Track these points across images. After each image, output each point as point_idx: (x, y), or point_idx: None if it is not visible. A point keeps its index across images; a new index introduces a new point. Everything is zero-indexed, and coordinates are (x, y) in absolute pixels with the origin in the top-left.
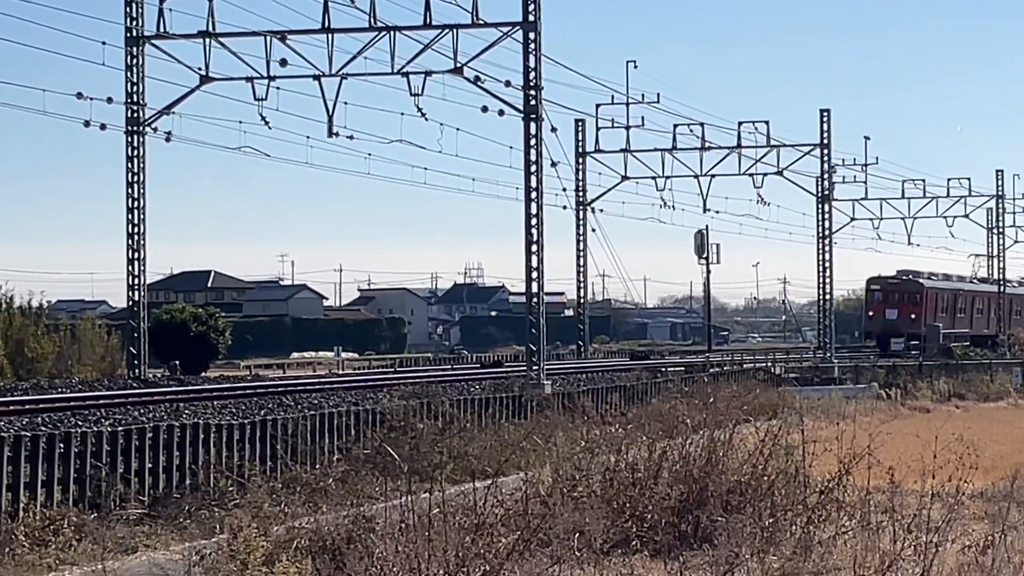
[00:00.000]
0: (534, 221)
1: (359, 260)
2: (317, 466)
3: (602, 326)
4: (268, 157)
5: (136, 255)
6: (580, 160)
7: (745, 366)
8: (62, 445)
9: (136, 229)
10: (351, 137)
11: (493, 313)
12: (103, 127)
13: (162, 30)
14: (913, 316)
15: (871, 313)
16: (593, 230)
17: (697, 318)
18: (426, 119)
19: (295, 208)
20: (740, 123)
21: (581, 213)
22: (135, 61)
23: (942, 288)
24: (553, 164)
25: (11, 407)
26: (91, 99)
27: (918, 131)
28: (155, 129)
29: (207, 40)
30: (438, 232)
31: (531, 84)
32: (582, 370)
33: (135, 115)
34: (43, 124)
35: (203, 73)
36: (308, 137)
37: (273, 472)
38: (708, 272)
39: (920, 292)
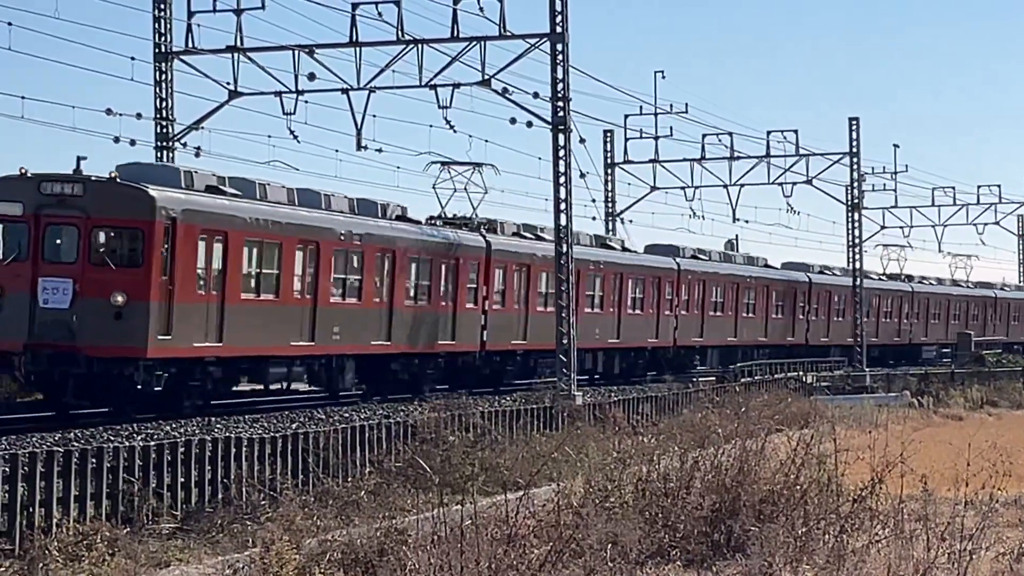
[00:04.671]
0: (564, 232)
1: None
2: (349, 479)
3: None
4: (297, 171)
5: None
6: (609, 171)
7: (776, 375)
8: (94, 460)
9: None
10: (380, 150)
11: None
12: (133, 143)
13: (191, 46)
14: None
15: None
16: (623, 241)
17: None
18: (454, 131)
19: None
20: (769, 132)
21: (611, 224)
22: (164, 77)
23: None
24: (582, 175)
25: (43, 422)
26: (120, 115)
27: (947, 138)
28: (184, 144)
29: (235, 55)
30: None
31: (559, 96)
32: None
33: (164, 131)
34: (73, 140)
35: (232, 88)
36: (337, 150)
37: (305, 486)
38: None
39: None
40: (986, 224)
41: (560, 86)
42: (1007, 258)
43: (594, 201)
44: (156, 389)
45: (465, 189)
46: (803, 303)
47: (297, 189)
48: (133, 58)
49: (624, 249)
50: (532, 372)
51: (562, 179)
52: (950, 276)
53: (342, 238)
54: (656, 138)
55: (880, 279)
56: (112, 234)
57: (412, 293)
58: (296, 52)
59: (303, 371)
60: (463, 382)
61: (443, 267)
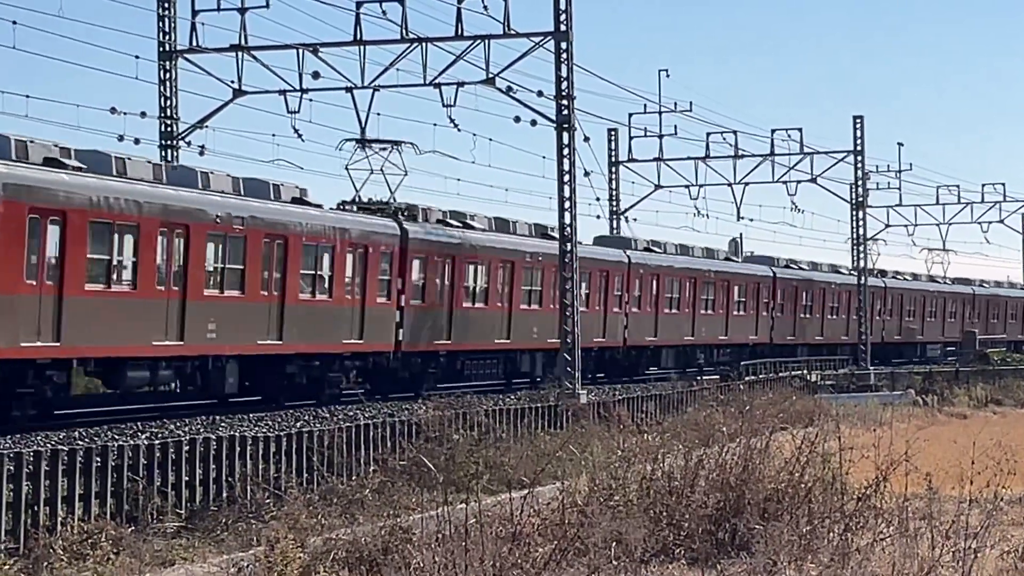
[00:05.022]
0: (568, 231)
1: None
2: (353, 478)
3: None
4: (302, 169)
5: None
6: (613, 169)
7: (781, 373)
8: (99, 459)
9: None
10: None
11: None
12: (137, 141)
13: (195, 44)
14: None
15: None
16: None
17: None
18: (459, 130)
19: None
20: (773, 131)
21: (615, 222)
22: (168, 75)
23: None
24: (586, 174)
25: (48, 421)
26: (125, 114)
27: (952, 137)
28: (189, 143)
29: (240, 54)
30: None
31: (563, 94)
32: (617, 378)
33: (169, 129)
34: (77, 139)
35: (236, 87)
36: (341, 149)
37: (309, 484)
38: None
39: None
40: (990, 222)
41: (564, 84)
42: (1012, 256)
43: (598, 200)
44: None
45: (382, 170)
46: (767, 299)
47: (167, 165)
48: (137, 57)
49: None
50: (459, 375)
51: (566, 178)
52: (926, 272)
53: (218, 221)
54: (660, 136)
55: (851, 274)
56: None
57: (310, 285)
58: (300, 51)
59: (171, 375)
60: (375, 387)
61: (349, 257)
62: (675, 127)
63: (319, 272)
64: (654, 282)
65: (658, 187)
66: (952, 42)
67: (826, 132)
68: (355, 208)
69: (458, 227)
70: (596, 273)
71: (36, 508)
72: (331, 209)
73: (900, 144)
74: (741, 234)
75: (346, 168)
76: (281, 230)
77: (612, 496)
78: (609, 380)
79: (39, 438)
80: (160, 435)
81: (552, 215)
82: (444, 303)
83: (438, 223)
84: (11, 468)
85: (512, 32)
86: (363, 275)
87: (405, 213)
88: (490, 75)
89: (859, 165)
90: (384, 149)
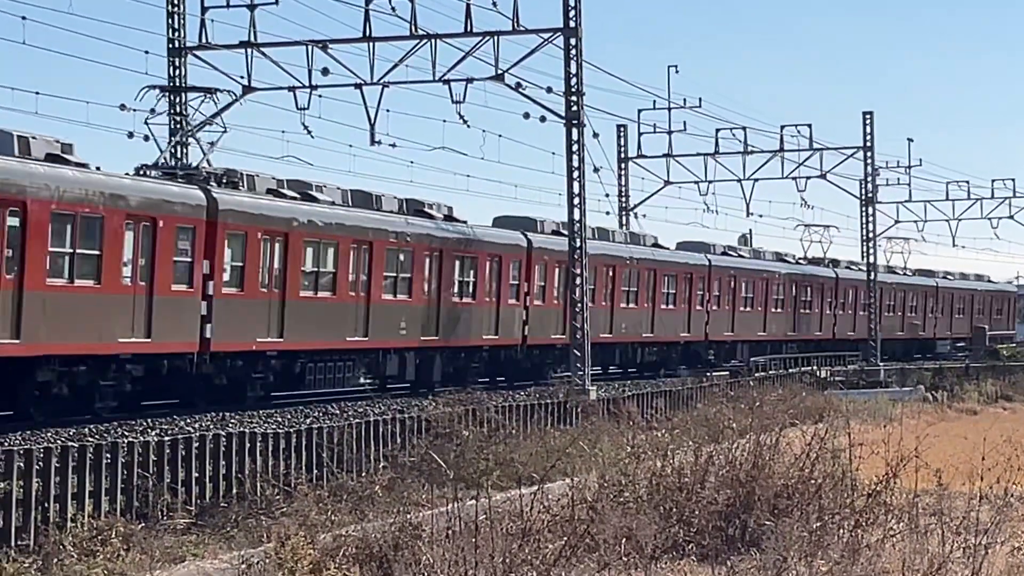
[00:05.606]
0: (577, 227)
1: None
2: (363, 474)
3: None
4: (311, 166)
5: None
6: (622, 165)
7: (790, 370)
8: (109, 455)
9: None
10: (394, 145)
11: None
12: (147, 138)
13: (204, 41)
14: None
15: None
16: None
17: None
18: (468, 126)
19: None
20: (783, 127)
21: (624, 218)
22: (177, 72)
23: None
24: (596, 170)
25: (58, 417)
26: (134, 111)
27: (962, 133)
28: (198, 140)
29: (249, 50)
30: None
31: (572, 90)
32: (627, 375)
33: (178, 126)
34: (87, 135)
35: (245, 83)
36: (351, 146)
37: (319, 480)
38: None
39: None
40: (1000, 218)
41: (573, 81)
42: (1021, 252)
43: (608, 196)
44: None
45: (187, 123)
46: (702, 291)
47: None
48: (147, 52)
49: (449, 218)
50: (298, 380)
51: (575, 174)
52: (886, 262)
53: None
54: (670, 132)
55: (799, 263)
56: None
57: (65, 268)
58: (309, 47)
59: None
60: (176, 394)
61: (128, 232)
62: (684, 123)
63: (79, 251)
64: (561, 271)
65: (667, 183)
66: (962, 38)
67: (835, 128)
68: (159, 173)
69: (295, 198)
70: (484, 258)
71: (46, 505)
72: (127, 175)
73: (910, 140)
74: (751, 230)
75: (146, 124)
76: (15, 193)
77: (622, 492)
78: (508, 383)
79: (49, 434)
80: (170, 431)
81: (561, 211)
82: (274, 292)
83: (269, 193)
84: (21, 464)
85: (521, 28)
86: (150, 255)
87: (223, 180)
88: (499, 71)
89: (868, 161)
90: (197, 99)
